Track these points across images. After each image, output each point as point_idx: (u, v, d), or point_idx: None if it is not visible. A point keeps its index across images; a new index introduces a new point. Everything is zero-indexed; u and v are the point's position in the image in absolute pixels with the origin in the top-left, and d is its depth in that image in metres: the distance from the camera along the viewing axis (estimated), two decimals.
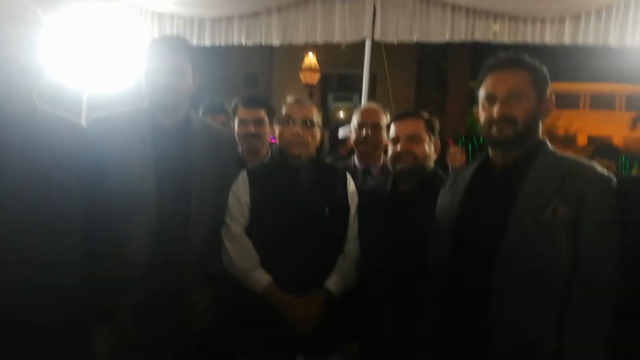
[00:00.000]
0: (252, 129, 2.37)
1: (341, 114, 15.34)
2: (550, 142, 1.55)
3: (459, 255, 1.57)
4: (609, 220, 1.36)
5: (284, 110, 1.94)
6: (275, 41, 3.91)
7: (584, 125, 19.57)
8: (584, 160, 1.49)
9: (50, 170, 1.42)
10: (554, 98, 1.53)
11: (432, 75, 14.88)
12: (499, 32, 3.56)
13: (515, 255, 1.40)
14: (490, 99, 1.52)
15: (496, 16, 3.56)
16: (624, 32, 3.37)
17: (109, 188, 1.60)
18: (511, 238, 1.42)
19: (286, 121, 1.91)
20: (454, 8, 3.59)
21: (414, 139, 1.90)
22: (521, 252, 1.40)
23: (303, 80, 11.01)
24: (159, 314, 1.73)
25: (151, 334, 1.72)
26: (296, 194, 1.86)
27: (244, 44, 3.95)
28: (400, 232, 1.84)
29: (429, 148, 1.94)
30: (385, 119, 2.42)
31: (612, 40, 3.39)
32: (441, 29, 3.64)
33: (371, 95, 4.32)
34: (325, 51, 12.10)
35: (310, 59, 11.18)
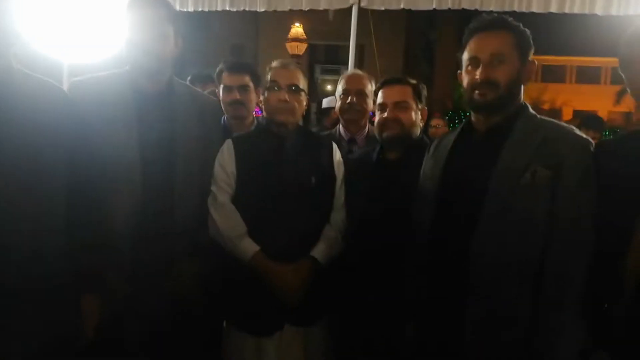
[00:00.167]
0: (237, 95, 2.32)
1: (329, 87, 15.22)
2: None
3: (440, 221, 1.59)
4: (585, 182, 1.38)
5: (269, 75, 1.90)
6: (260, 8, 3.82)
7: (570, 99, 19.69)
8: (564, 125, 1.51)
9: (28, 133, 1.40)
10: (536, 63, 1.53)
11: (420, 47, 14.79)
12: (485, 0, 3.54)
13: (494, 219, 1.43)
14: (473, 62, 1.52)
15: None
16: (610, 1, 3.37)
17: (91, 154, 1.59)
18: (490, 202, 1.44)
19: (272, 87, 1.87)
20: None
21: (401, 106, 1.89)
22: (500, 216, 1.42)
23: (289, 50, 10.87)
24: (145, 283, 1.72)
25: (138, 303, 1.71)
26: (282, 162, 1.85)
27: (227, 10, 3.87)
28: (387, 200, 1.85)
29: (416, 115, 1.94)
30: (370, 86, 2.39)
31: (598, 9, 3.40)
32: None
33: (359, 66, 4.29)
34: (312, 22, 11.93)
35: (297, 28, 11.02)
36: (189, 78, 3.08)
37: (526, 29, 1.52)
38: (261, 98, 1.97)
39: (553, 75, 21.19)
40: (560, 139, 1.42)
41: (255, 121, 2.48)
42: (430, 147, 1.78)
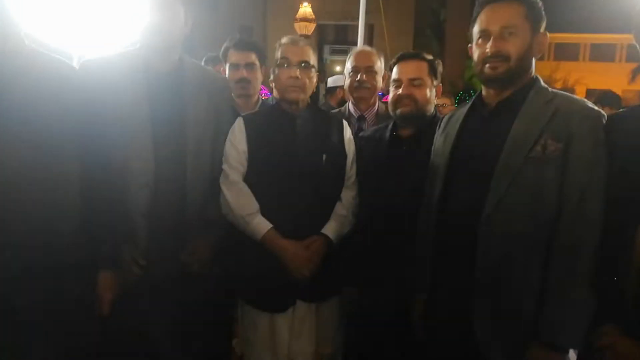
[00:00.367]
0: (244, 73, 2.33)
1: (338, 68, 15.09)
2: None
3: (449, 195, 1.60)
4: (596, 155, 1.37)
5: (279, 52, 1.88)
6: None
7: (583, 77, 19.33)
8: (575, 97, 1.49)
9: (37, 108, 1.41)
10: (548, 34, 1.50)
11: (430, 26, 14.57)
12: None
13: (504, 192, 1.42)
14: (484, 34, 1.50)
15: None
16: None
17: (102, 131, 1.60)
18: (500, 174, 1.44)
19: (282, 63, 1.86)
20: None
21: (416, 83, 1.88)
22: (510, 188, 1.42)
23: (298, 30, 10.76)
24: (159, 259, 1.75)
25: (152, 281, 1.75)
26: (294, 140, 1.85)
27: None
28: (400, 177, 1.86)
29: (431, 92, 1.92)
30: (379, 63, 2.37)
31: None
32: None
33: (368, 46, 4.24)
34: (320, 1, 11.78)
35: (305, 8, 10.90)
36: (203, 59, 3.08)
37: (538, 0, 1.49)
38: (271, 77, 1.95)
39: (566, 53, 20.77)
40: (571, 112, 1.41)
41: (260, 101, 2.48)
42: (440, 123, 1.77)
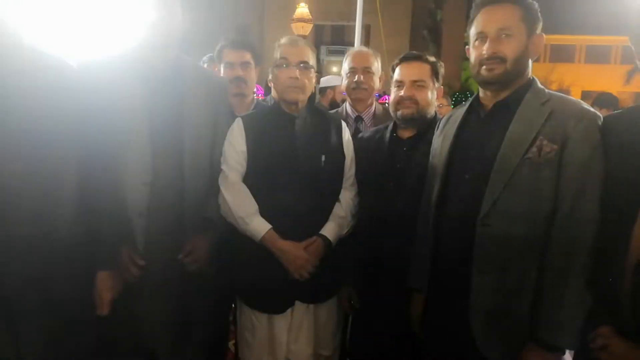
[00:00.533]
0: (239, 71, 2.32)
1: (334, 69, 15.09)
2: None
3: (447, 195, 1.61)
4: (592, 156, 1.38)
5: (278, 53, 1.88)
6: None
7: (578, 79, 19.42)
8: (572, 99, 1.50)
9: (35, 106, 1.40)
10: (544, 36, 1.51)
11: (427, 27, 14.57)
12: None
13: (500, 192, 1.43)
14: (481, 36, 1.51)
15: None
16: None
17: (100, 130, 1.60)
18: (496, 175, 1.45)
19: (281, 64, 1.85)
20: None
21: (418, 85, 1.88)
22: (506, 189, 1.43)
23: (294, 31, 10.76)
24: (158, 259, 1.75)
25: (150, 281, 1.74)
26: (293, 141, 1.85)
27: None
28: (400, 178, 1.87)
29: (432, 95, 1.93)
30: (376, 63, 2.37)
31: None
32: None
33: (365, 46, 4.25)
34: (317, 2, 11.79)
35: (302, 8, 10.91)
36: (203, 59, 3.07)
37: (534, 2, 1.50)
38: (270, 77, 1.95)
39: (561, 54, 20.85)
40: (567, 113, 1.42)
41: (255, 101, 2.48)
42: (439, 124, 1.78)
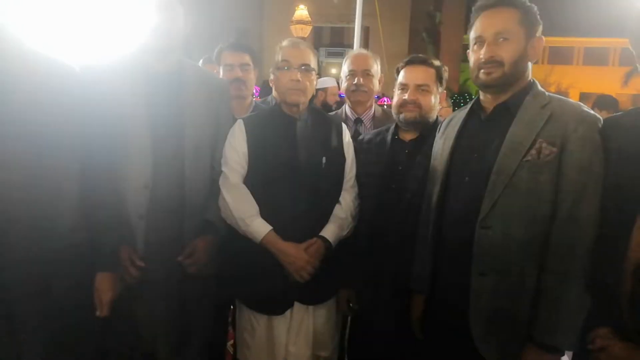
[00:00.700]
0: (239, 73, 2.33)
1: (333, 71, 15.11)
2: None
3: (447, 197, 1.62)
4: (591, 158, 1.38)
5: (279, 55, 1.88)
6: None
7: (577, 81, 19.46)
8: (572, 101, 1.50)
9: (39, 111, 1.41)
10: (543, 39, 1.52)
11: (426, 29, 14.63)
12: None
13: (499, 194, 1.44)
14: (479, 40, 1.52)
15: None
16: None
17: (102, 133, 1.60)
18: (496, 177, 1.45)
19: (283, 66, 1.85)
20: None
21: (422, 89, 1.88)
22: (505, 191, 1.43)
23: (294, 33, 10.79)
24: (158, 261, 1.75)
25: (150, 282, 1.75)
26: (294, 143, 1.85)
27: None
28: (402, 180, 1.87)
29: (435, 99, 1.93)
30: (376, 66, 2.38)
31: None
32: None
33: (364, 48, 4.27)
34: (316, 4, 11.83)
35: (302, 11, 10.94)
36: (201, 60, 3.09)
37: (533, 5, 1.51)
38: (271, 77, 1.96)
39: (560, 56, 20.91)
40: (566, 116, 1.42)
41: (254, 103, 2.49)
42: (440, 126, 1.79)
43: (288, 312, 1.86)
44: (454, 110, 4.87)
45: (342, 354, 2.21)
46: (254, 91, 2.60)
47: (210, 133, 1.87)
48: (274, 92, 1.98)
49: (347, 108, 2.46)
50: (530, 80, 1.55)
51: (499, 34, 1.47)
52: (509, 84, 1.51)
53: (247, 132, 1.86)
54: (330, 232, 1.86)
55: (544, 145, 1.41)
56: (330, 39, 16.23)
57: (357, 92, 2.35)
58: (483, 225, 1.46)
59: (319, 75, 1.94)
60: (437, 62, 1.95)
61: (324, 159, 1.87)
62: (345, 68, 2.41)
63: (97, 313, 1.62)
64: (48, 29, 2.84)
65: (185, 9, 1.80)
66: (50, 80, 1.46)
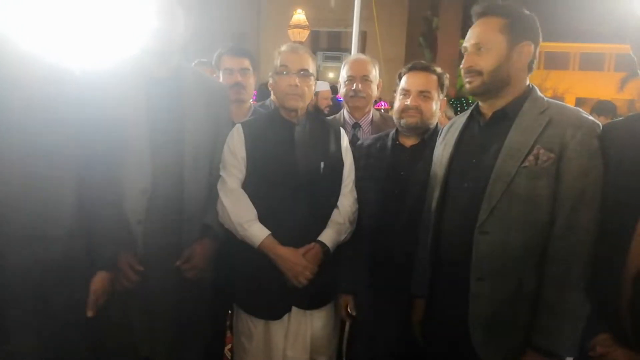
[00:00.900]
0: (238, 77, 2.34)
1: (331, 75, 15.13)
2: None
3: (446, 202, 1.62)
4: (590, 164, 1.38)
5: (278, 60, 1.88)
6: None
7: (573, 86, 19.57)
8: (570, 107, 1.51)
9: (38, 115, 1.41)
10: (532, 47, 1.50)
11: (423, 34, 14.67)
12: None
13: (497, 200, 1.44)
14: (464, 50, 1.55)
15: None
16: None
17: (101, 136, 1.60)
18: (494, 183, 1.46)
19: (281, 71, 1.86)
20: None
21: (424, 95, 1.90)
22: (503, 197, 1.44)
23: (291, 37, 10.82)
24: (156, 265, 1.75)
25: (148, 287, 1.74)
26: (292, 148, 1.85)
27: None
28: (403, 185, 1.88)
29: (436, 105, 1.94)
30: (374, 71, 2.38)
31: None
32: None
33: (361, 53, 4.27)
34: (314, 8, 11.86)
35: (299, 15, 10.97)
36: (193, 63, 3.09)
37: (524, 12, 1.51)
38: (270, 81, 1.96)
39: (556, 62, 21.02)
40: (565, 122, 1.43)
41: (253, 108, 2.49)
42: (441, 132, 1.80)
43: (286, 317, 1.86)
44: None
45: (340, 358, 2.20)
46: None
47: (209, 138, 1.87)
48: (272, 96, 1.98)
49: (345, 113, 2.46)
50: (529, 86, 1.55)
51: (476, 44, 1.51)
52: (495, 90, 1.52)
53: (245, 136, 1.86)
54: (328, 237, 1.86)
55: (541, 151, 1.41)
56: (328, 43, 16.26)
57: (356, 98, 2.35)
58: (481, 231, 1.46)
59: (316, 77, 1.95)
60: (438, 69, 1.97)
61: (322, 164, 1.87)
62: (343, 73, 2.41)
63: (89, 313, 1.59)
64: (48, 33, 2.84)
65: (183, 12, 1.81)
66: (47, 84, 1.45)
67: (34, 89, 1.42)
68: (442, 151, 1.72)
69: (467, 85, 1.54)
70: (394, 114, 1.98)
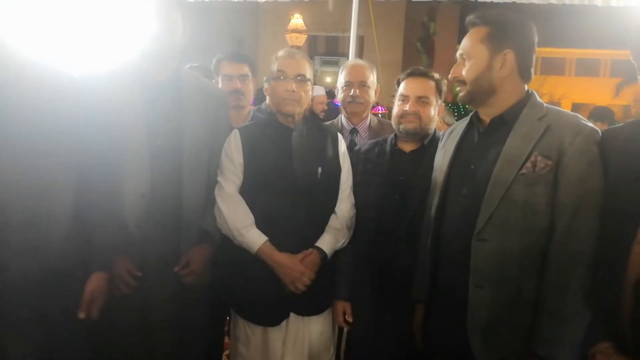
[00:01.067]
0: (238, 84, 2.34)
1: (328, 79, 15.15)
2: None
3: (446, 209, 1.62)
4: (589, 170, 1.38)
5: (275, 65, 1.88)
6: None
7: (569, 91, 19.64)
8: (569, 113, 1.50)
9: (35, 119, 1.40)
10: (514, 54, 1.49)
11: (420, 39, 14.71)
12: None
13: (495, 207, 1.44)
14: (456, 60, 1.57)
15: None
16: None
17: (100, 141, 1.59)
18: (492, 190, 1.45)
19: (278, 76, 1.86)
20: None
21: (423, 101, 1.90)
22: (501, 204, 1.43)
23: (289, 42, 10.83)
24: (153, 270, 1.74)
25: (146, 292, 1.74)
26: (290, 153, 1.85)
27: (228, 0, 3.84)
28: (402, 191, 1.88)
29: (434, 111, 1.95)
30: (372, 76, 2.38)
31: (598, 0, 3.38)
32: None
33: (359, 57, 4.28)
34: (312, 13, 11.88)
35: (297, 19, 11.00)
36: (186, 67, 3.08)
37: (510, 19, 1.50)
38: (266, 86, 1.96)
39: (552, 67, 21.11)
40: (563, 128, 1.42)
41: (252, 113, 2.49)
42: (442, 138, 1.80)
43: (284, 323, 1.85)
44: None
45: None
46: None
47: (208, 143, 1.86)
48: (267, 100, 1.98)
49: (342, 118, 2.46)
50: (528, 92, 1.55)
51: (462, 55, 1.54)
52: (480, 99, 1.55)
53: (242, 142, 1.85)
54: (325, 242, 1.85)
55: (539, 158, 1.41)
56: (326, 48, 16.29)
57: (353, 104, 2.35)
58: (479, 238, 1.46)
59: (313, 82, 1.95)
60: (437, 75, 1.97)
61: (319, 169, 1.87)
62: (341, 78, 2.41)
63: (82, 315, 1.56)
64: (47, 37, 2.84)
65: (182, 17, 1.80)
66: (44, 88, 1.45)
67: (32, 93, 1.41)
68: (442, 157, 1.72)
69: (459, 94, 1.58)
70: (392, 119, 1.99)
